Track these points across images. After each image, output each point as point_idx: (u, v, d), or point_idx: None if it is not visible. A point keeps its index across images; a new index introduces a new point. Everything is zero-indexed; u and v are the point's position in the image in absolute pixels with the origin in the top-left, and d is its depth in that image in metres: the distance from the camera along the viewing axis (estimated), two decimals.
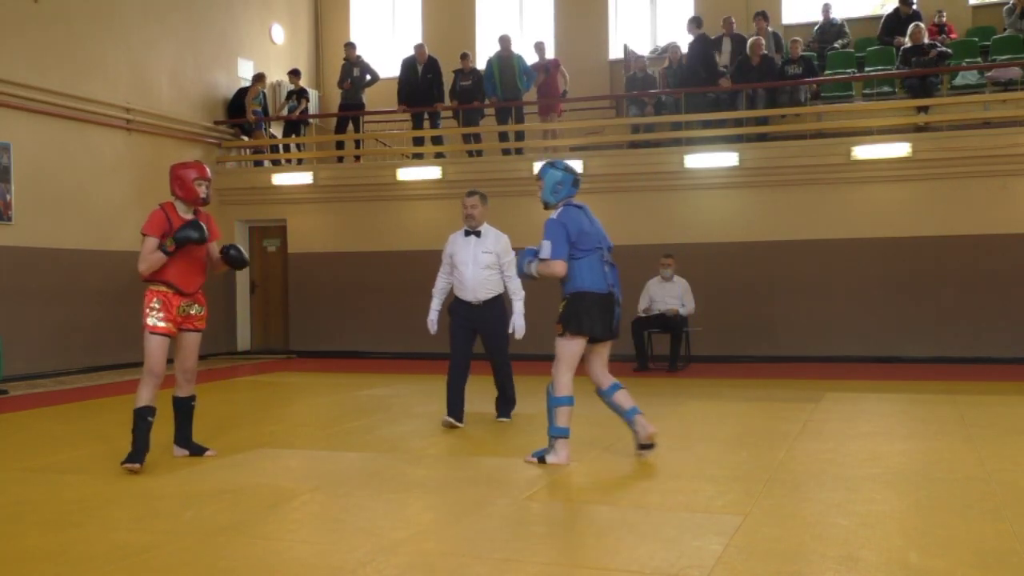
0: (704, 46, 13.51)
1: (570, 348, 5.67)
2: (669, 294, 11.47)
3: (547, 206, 5.97)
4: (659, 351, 11.70)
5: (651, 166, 13.06)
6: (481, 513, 4.66)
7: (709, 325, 12.07)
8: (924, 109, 12.51)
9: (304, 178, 14.60)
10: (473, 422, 7.70)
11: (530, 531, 4.31)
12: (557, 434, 5.70)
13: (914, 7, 13.95)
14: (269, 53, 16.12)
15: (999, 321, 11.84)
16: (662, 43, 15.84)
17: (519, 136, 14.10)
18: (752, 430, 7.27)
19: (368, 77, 15.18)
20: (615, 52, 15.97)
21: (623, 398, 5.98)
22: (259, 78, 15.07)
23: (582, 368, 5.84)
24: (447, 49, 14.99)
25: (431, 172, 13.95)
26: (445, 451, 6.53)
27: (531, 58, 14.35)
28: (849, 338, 12.32)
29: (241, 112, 14.89)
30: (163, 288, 5.78)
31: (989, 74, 12.79)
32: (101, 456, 6.22)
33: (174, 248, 5.70)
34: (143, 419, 5.68)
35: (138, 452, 5.65)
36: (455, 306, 7.40)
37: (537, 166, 14.55)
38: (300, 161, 15.37)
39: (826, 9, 14.64)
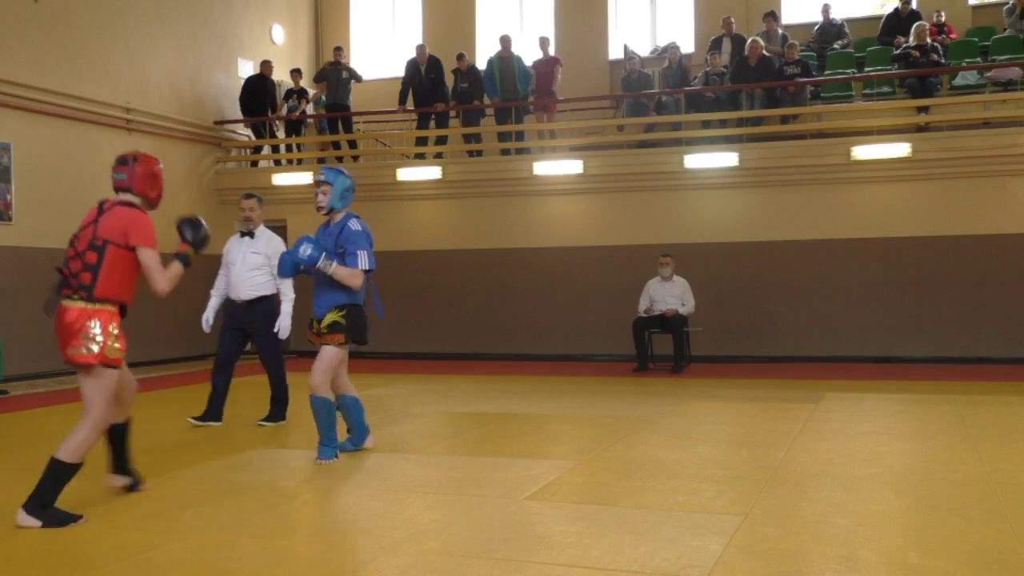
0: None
1: (340, 356, 5.94)
2: (669, 293, 11.47)
3: (330, 211, 5.94)
4: (660, 351, 11.70)
5: (651, 166, 13.06)
6: (481, 513, 4.66)
7: (709, 325, 12.07)
8: (924, 109, 12.50)
9: (304, 178, 14.59)
10: (472, 422, 7.70)
11: (530, 531, 4.31)
12: (365, 432, 6.30)
13: (913, 6, 13.96)
14: (269, 53, 16.11)
15: (999, 321, 11.84)
16: (662, 43, 15.85)
17: (519, 136, 14.11)
18: (752, 430, 7.27)
19: (352, 81, 15.18)
20: (615, 52, 15.97)
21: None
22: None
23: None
24: (447, 49, 14.98)
25: (431, 172, 13.96)
26: (445, 451, 6.53)
27: (531, 57, 14.34)
28: (849, 338, 12.32)
29: (255, 104, 14.77)
30: (115, 308, 4.67)
31: (989, 74, 12.78)
32: (101, 456, 6.20)
33: (195, 253, 4.87)
34: (72, 476, 4.60)
35: (65, 513, 4.56)
36: (226, 306, 7.57)
37: (538, 166, 14.48)
38: (300, 161, 15.37)
39: (826, 9, 14.64)
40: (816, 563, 3.78)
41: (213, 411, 7.49)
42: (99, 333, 4.54)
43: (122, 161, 4.79)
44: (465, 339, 13.76)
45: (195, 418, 7.49)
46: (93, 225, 4.66)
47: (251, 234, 7.51)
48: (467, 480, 5.47)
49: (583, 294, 13.22)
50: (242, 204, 7.53)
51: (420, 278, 14.02)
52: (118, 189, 4.79)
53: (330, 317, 5.85)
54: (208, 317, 7.48)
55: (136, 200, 4.77)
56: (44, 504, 4.51)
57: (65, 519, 4.51)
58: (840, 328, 12.36)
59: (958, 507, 4.64)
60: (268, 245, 7.51)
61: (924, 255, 12.10)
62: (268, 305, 7.40)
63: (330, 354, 5.86)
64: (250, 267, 7.37)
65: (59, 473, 4.53)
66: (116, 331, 4.61)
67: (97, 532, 4.40)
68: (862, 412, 7.97)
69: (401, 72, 14.85)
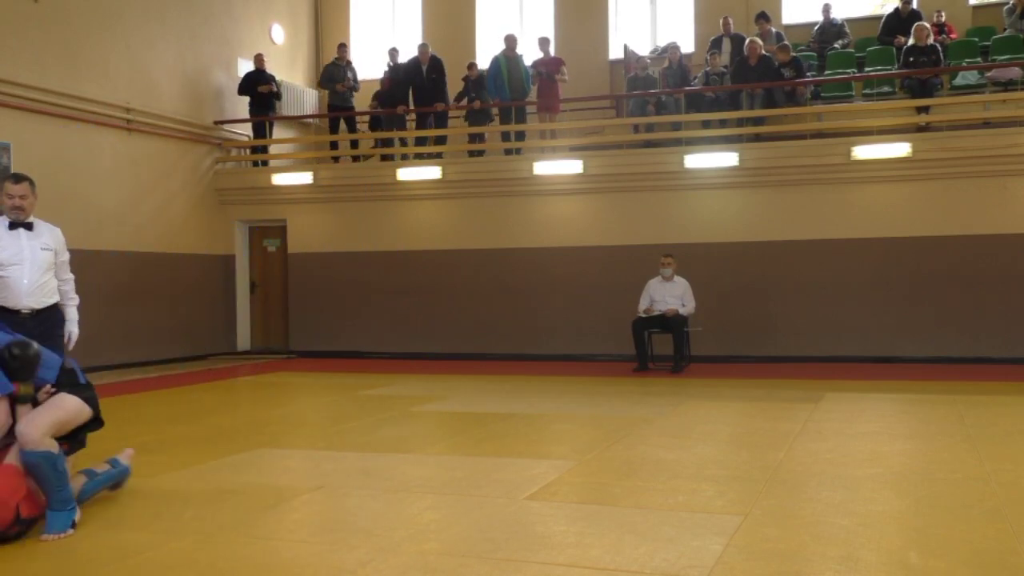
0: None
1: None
2: (670, 294, 11.47)
3: None
4: (660, 351, 11.70)
5: (651, 166, 13.07)
6: (481, 513, 4.66)
7: (709, 325, 12.07)
8: (924, 109, 12.51)
9: (304, 178, 14.61)
10: (472, 422, 7.70)
11: (530, 531, 4.31)
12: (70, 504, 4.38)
13: (913, 6, 13.97)
14: (269, 53, 16.11)
15: (999, 321, 11.84)
16: (662, 43, 15.85)
17: (519, 136, 14.10)
18: (752, 430, 7.27)
19: (356, 81, 15.22)
20: (615, 52, 15.98)
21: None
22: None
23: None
24: (447, 49, 15.00)
25: (431, 172, 13.96)
26: (445, 451, 6.53)
27: (531, 58, 14.33)
28: (849, 338, 12.32)
29: (252, 92, 14.77)
30: None
31: (989, 74, 12.79)
32: (101, 456, 6.21)
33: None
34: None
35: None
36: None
37: (538, 166, 14.46)
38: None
39: (826, 9, 14.65)
40: (816, 563, 3.78)
41: None
42: None
43: None
44: (465, 339, 13.76)
45: None
46: None
47: (28, 226, 5.83)
48: (467, 480, 5.47)
49: (583, 294, 13.22)
50: (9, 190, 5.70)
51: (420, 278, 14.03)
52: None
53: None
54: None
55: None
56: None
57: None
58: (840, 328, 12.36)
59: (958, 507, 4.64)
60: (55, 239, 6.00)
61: (924, 255, 12.11)
62: (57, 313, 6.05)
63: (64, 404, 4.47)
64: (43, 268, 5.84)
65: None
66: None
67: (97, 532, 4.39)
68: (862, 412, 7.97)
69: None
